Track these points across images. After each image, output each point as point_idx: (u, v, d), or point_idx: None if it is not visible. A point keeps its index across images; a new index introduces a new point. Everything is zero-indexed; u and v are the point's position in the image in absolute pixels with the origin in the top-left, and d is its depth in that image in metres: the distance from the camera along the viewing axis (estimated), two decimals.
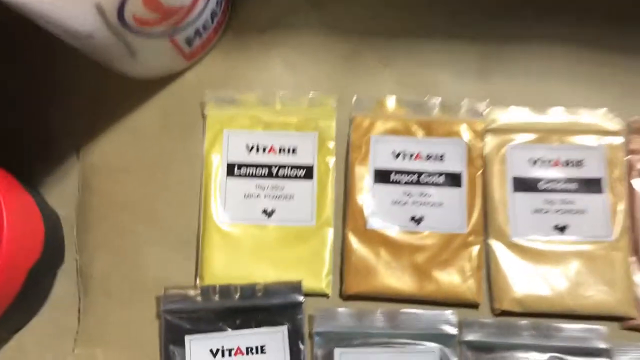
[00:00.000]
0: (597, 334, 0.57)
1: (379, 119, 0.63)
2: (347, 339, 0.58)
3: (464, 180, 0.62)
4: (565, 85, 0.64)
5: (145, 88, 0.65)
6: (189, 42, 0.62)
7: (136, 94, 0.65)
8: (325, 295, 0.60)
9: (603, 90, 0.64)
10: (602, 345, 0.57)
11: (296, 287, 0.59)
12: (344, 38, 0.66)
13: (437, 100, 0.63)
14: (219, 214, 0.61)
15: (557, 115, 0.63)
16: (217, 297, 0.59)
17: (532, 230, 0.60)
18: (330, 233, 0.61)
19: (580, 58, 0.65)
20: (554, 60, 0.65)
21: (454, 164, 0.62)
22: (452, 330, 0.58)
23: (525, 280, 0.59)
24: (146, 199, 0.63)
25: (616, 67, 0.65)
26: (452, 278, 0.59)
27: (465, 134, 0.63)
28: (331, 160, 0.63)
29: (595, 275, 0.59)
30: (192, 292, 0.59)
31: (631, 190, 0.61)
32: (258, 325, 0.58)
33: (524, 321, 0.58)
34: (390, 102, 0.64)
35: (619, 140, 0.62)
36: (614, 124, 0.62)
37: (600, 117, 0.63)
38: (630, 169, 0.61)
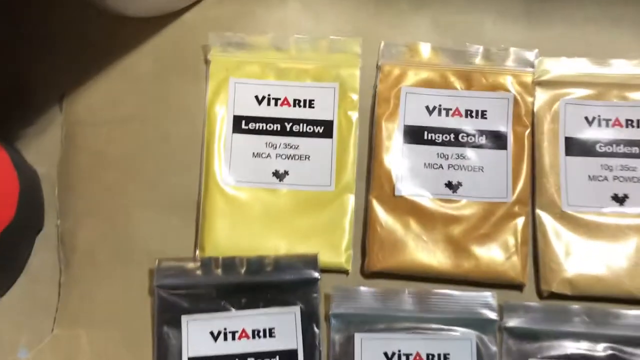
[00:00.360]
0: None
1: (411, 68, 0.55)
2: (369, 323, 0.50)
3: (509, 141, 0.53)
4: (629, 33, 0.56)
5: (139, 29, 0.57)
6: None
7: (129, 36, 0.57)
8: (344, 272, 0.52)
9: None
10: None
11: (311, 261, 0.51)
12: None
13: (479, 48, 0.55)
14: (223, 175, 0.53)
15: (618, 67, 0.54)
16: (219, 271, 0.51)
17: (587, 200, 0.52)
18: (351, 200, 0.53)
19: None
20: (616, 4, 0.56)
21: (498, 121, 0.54)
22: (492, 315, 0.50)
23: (577, 258, 0.51)
24: (139, 157, 0.55)
25: None
26: (492, 254, 0.51)
27: (512, 87, 0.54)
28: (354, 116, 0.54)
29: None
30: (190, 265, 0.51)
31: None
32: (267, 305, 0.51)
33: (575, 305, 0.50)
34: (425, 49, 0.55)
35: None
36: None
37: None
38: None
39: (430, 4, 0.57)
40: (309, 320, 0.51)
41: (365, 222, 0.53)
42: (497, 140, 0.54)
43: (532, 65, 0.55)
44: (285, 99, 0.55)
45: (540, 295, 0.52)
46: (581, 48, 0.56)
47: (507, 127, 0.54)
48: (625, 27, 0.56)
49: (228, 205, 0.53)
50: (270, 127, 0.55)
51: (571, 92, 0.54)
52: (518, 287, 0.52)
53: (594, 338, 0.50)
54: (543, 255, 0.52)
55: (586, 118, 0.54)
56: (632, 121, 0.53)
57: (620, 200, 0.52)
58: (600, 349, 0.49)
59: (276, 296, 0.51)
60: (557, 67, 0.54)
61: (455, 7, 0.57)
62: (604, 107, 0.54)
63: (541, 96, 0.54)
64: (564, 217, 0.52)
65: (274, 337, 0.51)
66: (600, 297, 0.51)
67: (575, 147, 0.53)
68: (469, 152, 0.53)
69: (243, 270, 0.51)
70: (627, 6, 0.56)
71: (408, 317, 0.50)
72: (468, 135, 0.54)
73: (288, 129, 0.54)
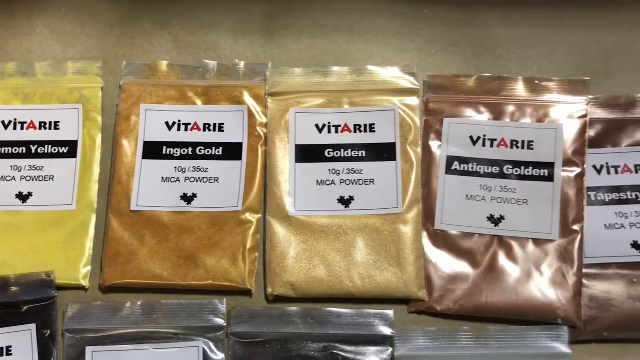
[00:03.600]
0: (379, 320, 0.47)
1: (151, 86, 0.53)
2: (100, 337, 0.48)
3: (244, 151, 0.51)
4: (357, 41, 0.54)
5: None
6: None
7: None
8: (83, 288, 0.50)
9: (398, 45, 0.54)
10: (384, 332, 0.47)
11: (47, 279, 0.49)
12: (118, 1, 0.56)
13: (214, 64, 0.53)
14: None
15: (346, 75, 0.52)
16: None
17: (315, 204, 0.50)
18: (93, 218, 0.51)
19: (374, 11, 0.54)
20: (346, 14, 0.54)
21: (235, 133, 0.52)
22: (220, 322, 0.48)
23: (301, 261, 0.49)
24: None
25: (414, 19, 0.54)
26: (221, 262, 0.49)
27: (247, 99, 0.52)
28: (98, 135, 0.52)
29: (380, 252, 0.48)
30: None
31: (428, 155, 0.51)
32: (3, 325, 0.48)
33: (295, 308, 0.48)
34: (164, 67, 0.53)
35: (414, 100, 0.52)
36: (409, 82, 0.52)
37: (393, 74, 0.52)
38: (427, 132, 0.51)
39: (173, 24, 0.55)
40: (45, 338, 0.48)
41: (104, 238, 0.51)
42: (233, 151, 0.51)
43: (265, 78, 0.53)
44: (32, 122, 0.52)
45: (267, 299, 0.49)
46: (314, 57, 0.54)
47: (243, 139, 0.52)
48: (356, 35, 0.54)
49: None
50: (16, 150, 0.52)
51: (302, 101, 0.52)
52: (248, 292, 0.49)
53: (315, 338, 0.47)
54: (269, 260, 0.49)
55: (317, 126, 0.52)
56: (361, 126, 0.51)
57: (346, 202, 0.50)
58: (322, 348, 0.47)
59: (13, 316, 0.48)
60: (287, 78, 0.53)
61: (195, 26, 0.55)
62: (333, 114, 0.52)
63: (273, 107, 0.52)
64: (291, 222, 0.50)
65: (11, 355, 0.48)
66: (324, 298, 0.49)
67: (305, 154, 0.51)
68: (206, 164, 0.51)
69: None
70: (357, 14, 0.55)
71: (138, 329, 0.48)
72: (205, 148, 0.52)
73: (33, 151, 0.52)
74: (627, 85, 0.52)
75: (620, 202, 0.49)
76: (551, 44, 0.53)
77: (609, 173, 0.50)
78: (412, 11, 0.54)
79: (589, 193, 0.49)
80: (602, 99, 0.51)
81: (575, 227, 0.48)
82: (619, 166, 0.50)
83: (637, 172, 0.49)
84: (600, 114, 0.50)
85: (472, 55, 0.53)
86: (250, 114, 0.52)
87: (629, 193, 0.49)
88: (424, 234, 0.49)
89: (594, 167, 0.50)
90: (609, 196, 0.49)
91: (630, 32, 0.53)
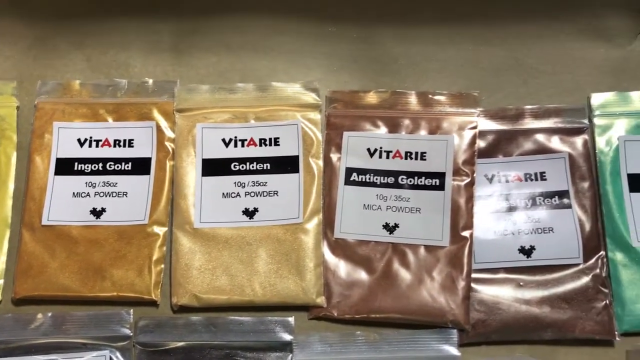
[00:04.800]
0: (280, 327, 0.47)
1: (65, 105, 0.53)
2: (10, 348, 0.48)
3: (153, 166, 0.52)
4: (263, 59, 0.55)
5: None
6: None
7: None
8: None
9: (303, 62, 0.55)
10: (284, 338, 0.47)
11: None
12: (34, 22, 0.56)
13: (125, 82, 0.53)
14: None
15: (251, 91, 0.53)
16: None
17: (220, 216, 0.50)
18: (7, 232, 0.51)
19: (280, 29, 0.55)
20: (252, 33, 0.55)
21: (144, 149, 0.52)
22: (127, 331, 0.48)
23: (205, 272, 0.49)
24: None
25: (318, 37, 0.55)
26: (128, 274, 0.49)
27: (156, 116, 0.53)
28: (13, 153, 0.52)
29: (280, 261, 0.49)
30: None
31: (329, 167, 0.51)
32: None
33: (199, 317, 0.48)
34: (77, 86, 0.53)
35: (316, 115, 0.52)
36: (312, 97, 0.53)
37: (297, 90, 0.53)
38: (328, 145, 0.52)
39: (87, 44, 0.55)
40: None
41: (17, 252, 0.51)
42: (142, 166, 0.52)
43: (173, 95, 0.53)
44: None
45: (172, 309, 0.49)
46: (221, 74, 0.55)
47: (152, 154, 0.52)
48: (261, 53, 0.55)
49: None
50: None
51: (209, 117, 0.52)
52: (154, 303, 0.50)
53: (219, 346, 0.48)
54: (174, 271, 0.50)
55: (223, 140, 0.52)
56: (266, 140, 0.52)
57: (250, 214, 0.50)
58: (224, 355, 0.47)
59: None
60: (195, 95, 0.53)
61: (107, 46, 0.55)
62: (239, 129, 0.52)
63: (181, 123, 0.52)
64: (196, 234, 0.50)
65: None
66: (228, 307, 0.49)
67: (211, 168, 0.51)
68: (115, 179, 0.51)
69: None
70: (262, 34, 0.56)
71: (48, 339, 0.48)
72: (115, 163, 0.52)
73: None
74: (518, 98, 0.53)
75: (510, 209, 0.50)
76: (445, 60, 0.54)
77: (499, 182, 0.51)
78: (316, 29, 0.55)
79: (480, 201, 0.51)
80: (492, 111, 0.52)
81: (465, 234, 0.49)
82: (509, 175, 0.51)
83: (526, 180, 0.51)
84: (491, 125, 0.52)
85: (372, 71, 0.54)
86: (159, 129, 0.53)
87: (518, 201, 0.50)
88: (324, 242, 0.50)
89: (485, 176, 0.51)
90: (499, 204, 0.50)
91: (519, 47, 0.54)
